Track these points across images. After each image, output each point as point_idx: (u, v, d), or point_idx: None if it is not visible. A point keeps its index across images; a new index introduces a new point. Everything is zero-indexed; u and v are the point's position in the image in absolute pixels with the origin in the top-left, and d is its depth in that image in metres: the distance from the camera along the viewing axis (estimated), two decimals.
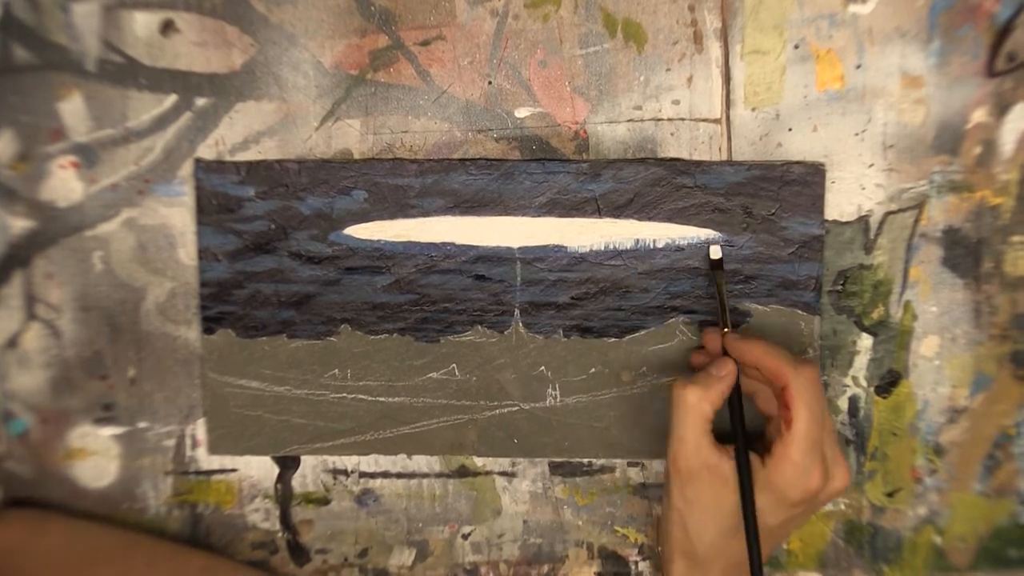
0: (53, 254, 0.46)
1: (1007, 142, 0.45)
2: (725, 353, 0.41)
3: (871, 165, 0.45)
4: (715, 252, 0.44)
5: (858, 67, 0.44)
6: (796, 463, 0.38)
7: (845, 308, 0.46)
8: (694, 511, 0.40)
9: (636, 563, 0.48)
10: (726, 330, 0.42)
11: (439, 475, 0.47)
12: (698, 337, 0.45)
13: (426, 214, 0.45)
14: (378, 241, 0.45)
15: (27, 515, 0.46)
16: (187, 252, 0.46)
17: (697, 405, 0.39)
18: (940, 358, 0.46)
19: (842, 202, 0.45)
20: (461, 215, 0.45)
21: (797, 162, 0.44)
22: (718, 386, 0.40)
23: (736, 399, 0.41)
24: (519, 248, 0.45)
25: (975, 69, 0.44)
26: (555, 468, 0.47)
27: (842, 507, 0.47)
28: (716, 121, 0.45)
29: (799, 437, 0.38)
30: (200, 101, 0.45)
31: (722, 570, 0.40)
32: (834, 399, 0.47)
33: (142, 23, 0.44)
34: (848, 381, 0.46)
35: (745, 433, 0.40)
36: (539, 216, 0.45)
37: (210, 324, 0.45)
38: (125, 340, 0.46)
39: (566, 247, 0.45)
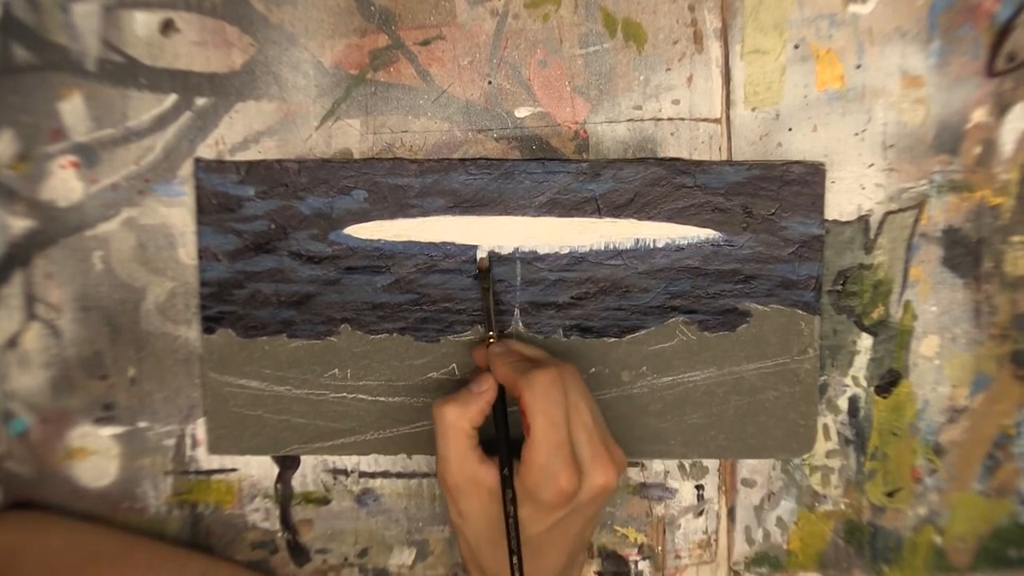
0: (53, 254, 0.46)
1: (1007, 142, 0.45)
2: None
3: (871, 165, 0.45)
4: (483, 259, 0.44)
5: (858, 67, 0.44)
6: (539, 465, 0.38)
7: (845, 308, 0.46)
8: (469, 525, 0.40)
9: (636, 563, 0.48)
10: (491, 340, 0.42)
11: None
12: (698, 337, 0.45)
13: (426, 214, 0.45)
14: (378, 241, 0.45)
15: (27, 516, 0.46)
16: (187, 252, 0.46)
17: (456, 423, 0.39)
18: (940, 358, 0.46)
19: (842, 202, 0.45)
20: (461, 215, 0.45)
21: (797, 162, 0.44)
22: (476, 403, 0.40)
23: (500, 411, 0.41)
24: (519, 248, 0.45)
25: (975, 69, 0.44)
26: None
27: (842, 507, 0.47)
28: (716, 121, 0.45)
29: (537, 440, 0.38)
30: (200, 101, 0.45)
31: None
32: (834, 399, 0.47)
33: (142, 23, 0.44)
34: (848, 381, 0.46)
35: (508, 444, 0.40)
36: (539, 216, 0.45)
37: (210, 324, 0.45)
38: (125, 340, 0.46)
39: (566, 247, 0.45)
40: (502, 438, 0.40)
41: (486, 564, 0.41)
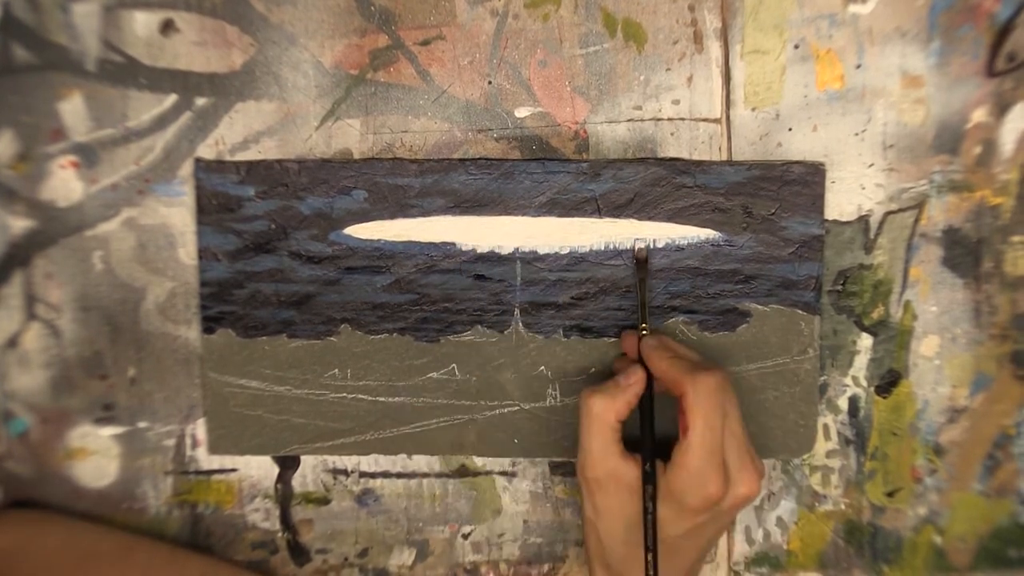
0: (53, 254, 0.46)
1: (1007, 142, 0.45)
2: (641, 358, 0.41)
3: (871, 165, 0.45)
4: (640, 249, 0.44)
5: (858, 67, 0.44)
6: (692, 470, 0.38)
7: (845, 308, 0.46)
8: (603, 521, 0.40)
9: None
10: (644, 333, 0.42)
11: (439, 475, 0.47)
12: (698, 337, 0.45)
13: (426, 214, 0.45)
14: (378, 241, 0.45)
15: (27, 516, 0.46)
16: (187, 252, 0.46)
17: (602, 415, 0.39)
18: (940, 358, 0.46)
19: (842, 202, 0.45)
20: (461, 215, 0.45)
21: (797, 162, 0.44)
22: (624, 395, 0.40)
23: (647, 406, 0.40)
24: (519, 248, 0.45)
25: (975, 69, 0.44)
26: (555, 468, 0.47)
27: (842, 507, 0.47)
28: (716, 121, 0.45)
29: (695, 444, 0.38)
30: (200, 101, 0.45)
31: None
32: (834, 399, 0.47)
33: (142, 23, 0.44)
34: (848, 381, 0.46)
35: (654, 441, 0.40)
36: (539, 216, 0.45)
37: (210, 324, 0.45)
38: (125, 340, 0.46)
39: (566, 247, 0.45)
40: (648, 433, 0.40)
41: (614, 562, 0.40)
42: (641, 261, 0.44)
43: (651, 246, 0.44)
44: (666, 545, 0.39)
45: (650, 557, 0.38)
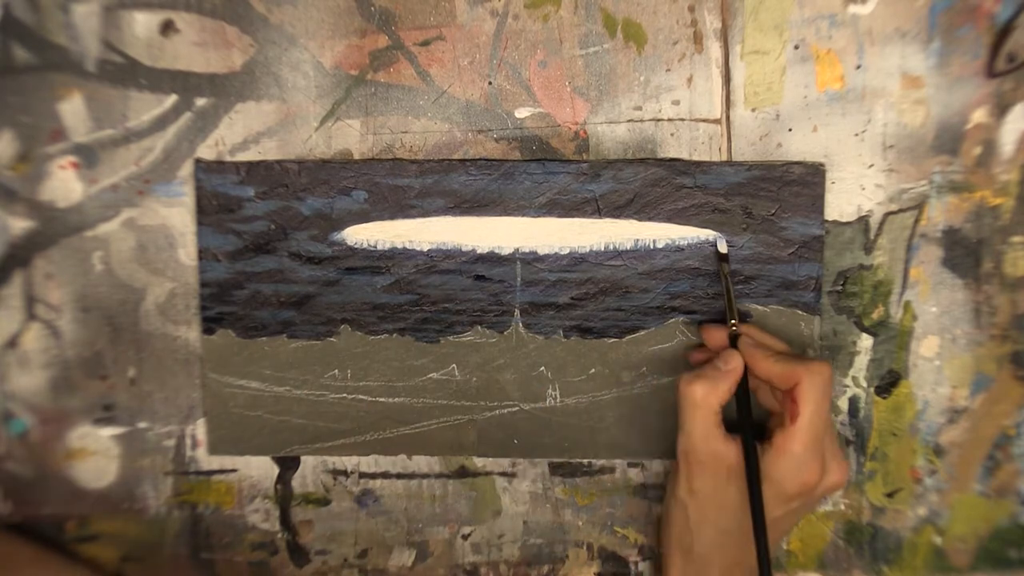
0: (53, 254, 0.46)
1: (1007, 142, 0.45)
2: (732, 345, 0.42)
3: (871, 165, 0.45)
4: (722, 246, 0.44)
5: (858, 67, 0.44)
6: (796, 455, 0.39)
7: (845, 308, 0.46)
8: (697, 503, 0.41)
9: (636, 564, 0.48)
10: (734, 325, 0.42)
11: (439, 476, 0.47)
12: (698, 338, 0.45)
13: (426, 214, 0.45)
14: (378, 241, 0.45)
15: None
16: (187, 252, 0.46)
17: (705, 400, 0.40)
18: (940, 358, 0.46)
19: (842, 202, 0.45)
20: (461, 215, 0.45)
21: (797, 162, 0.44)
22: (725, 381, 0.40)
23: (743, 392, 0.41)
24: (519, 248, 0.45)
25: (975, 69, 0.44)
26: (555, 469, 0.47)
27: (842, 507, 0.47)
28: (716, 121, 0.45)
29: (802, 430, 0.39)
30: (200, 101, 0.45)
31: (720, 569, 0.41)
32: (834, 399, 0.47)
33: (142, 23, 0.44)
34: (848, 381, 0.46)
35: (752, 426, 0.40)
36: (539, 216, 0.45)
37: (210, 324, 0.45)
38: (125, 340, 0.46)
39: (566, 247, 0.45)
40: (745, 419, 0.40)
41: (698, 544, 0.41)
42: (723, 255, 0.44)
43: (643, 246, 0.44)
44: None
45: (761, 543, 0.38)
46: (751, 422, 0.40)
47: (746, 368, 0.41)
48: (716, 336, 0.43)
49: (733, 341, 0.42)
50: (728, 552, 0.40)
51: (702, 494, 0.40)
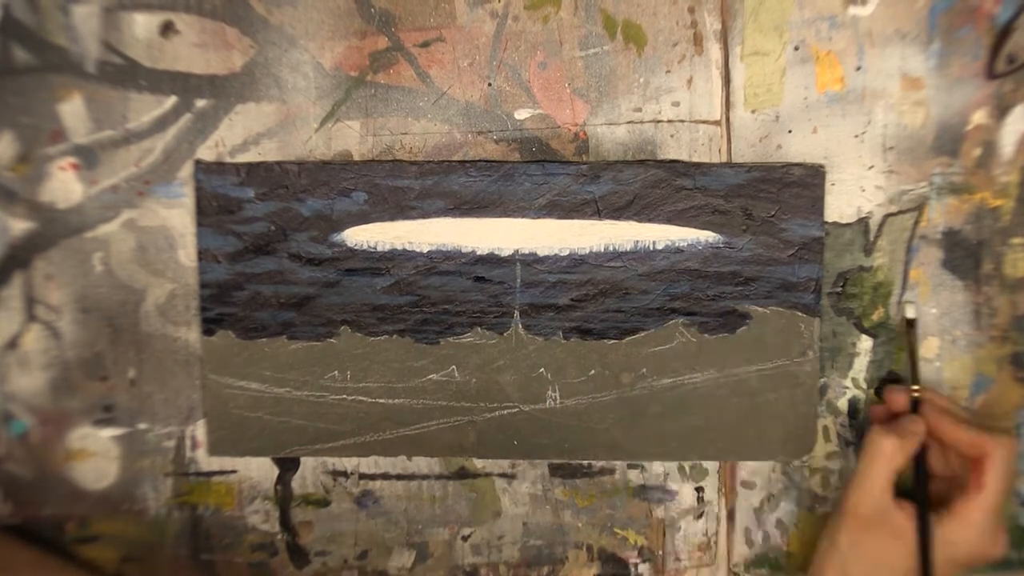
0: (53, 255, 0.46)
1: (1007, 144, 0.45)
2: (914, 410, 0.43)
3: (871, 167, 0.45)
4: (910, 312, 0.45)
5: (858, 69, 0.44)
6: (976, 525, 0.40)
7: (845, 310, 0.46)
8: (859, 560, 0.41)
9: (636, 565, 0.48)
10: (916, 391, 0.43)
11: (439, 477, 0.47)
12: (698, 339, 0.45)
13: (426, 216, 0.45)
14: (378, 242, 0.45)
15: None
16: (187, 253, 0.46)
17: (893, 455, 0.40)
18: (940, 360, 0.46)
19: (842, 204, 0.45)
20: (461, 217, 0.45)
21: (797, 164, 0.44)
22: (912, 441, 0.41)
23: (923, 456, 0.42)
24: (519, 250, 0.45)
25: (975, 71, 0.44)
26: (555, 470, 0.47)
27: None
28: (716, 123, 0.45)
29: (987, 501, 0.40)
30: (200, 103, 0.45)
31: None
32: (834, 400, 0.47)
33: (142, 25, 0.44)
34: (848, 383, 0.46)
35: (928, 493, 0.41)
36: (539, 218, 0.45)
37: (210, 325, 0.45)
38: (125, 341, 0.46)
39: (566, 249, 0.45)
40: (923, 484, 0.41)
41: None
42: (911, 324, 0.44)
43: (643, 248, 0.44)
44: None
45: None
46: (927, 489, 0.41)
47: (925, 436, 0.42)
48: (899, 400, 0.44)
49: (915, 407, 0.43)
50: None
51: (867, 551, 0.41)
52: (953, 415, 0.42)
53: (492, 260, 0.45)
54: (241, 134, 0.45)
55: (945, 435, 0.41)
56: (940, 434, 0.41)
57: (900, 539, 0.40)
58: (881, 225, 0.45)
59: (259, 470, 0.47)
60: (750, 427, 0.46)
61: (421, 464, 0.47)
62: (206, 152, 0.45)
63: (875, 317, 0.46)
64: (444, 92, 0.45)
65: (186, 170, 0.45)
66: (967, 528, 0.40)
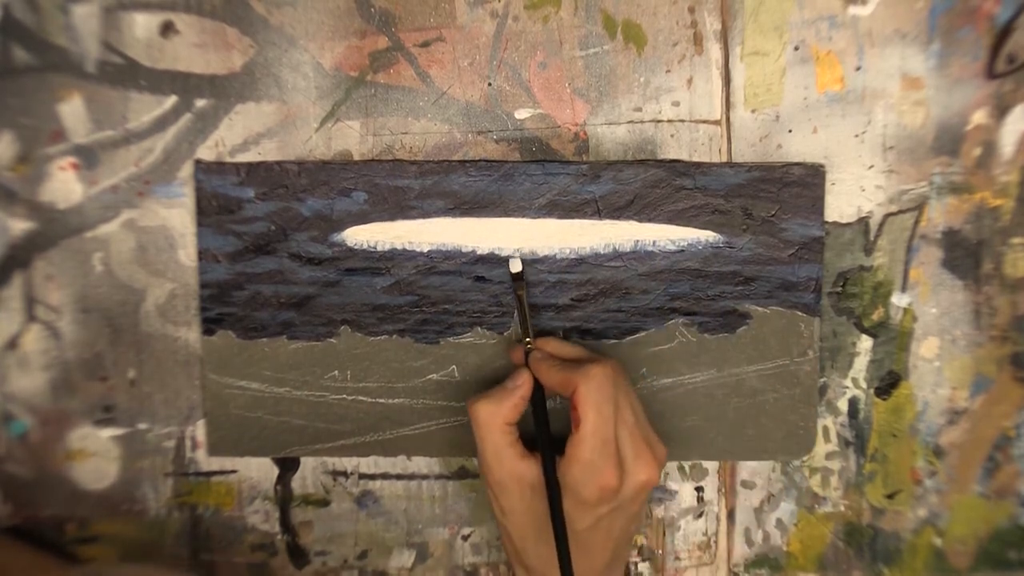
0: (53, 256, 0.46)
1: (1007, 144, 0.45)
2: (526, 363, 0.42)
3: (871, 167, 0.45)
4: (515, 265, 0.44)
5: (858, 69, 0.44)
6: (585, 461, 0.38)
7: (845, 310, 0.46)
8: (512, 522, 0.41)
9: (635, 564, 0.48)
10: (528, 343, 0.43)
11: (439, 477, 0.47)
12: (698, 339, 0.45)
13: (426, 215, 0.45)
14: (378, 242, 0.45)
15: None
16: (187, 253, 0.46)
17: (489, 420, 0.40)
18: (940, 360, 0.46)
19: (842, 204, 0.45)
20: (461, 216, 0.45)
21: (797, 163, 0.44)
22: (511, 398, 0.40)
23: (540, 406, 0.41)
24: (519, 250, 0.45)
25: (975, 71, 0.44)
26: None
27: (842, 509, 0.47)
28: (716, 123, 0.45)
29: (587, 436, 0.38)
30: (200, 102, 0.45)
31: None
32: (834, 400, 0.47)
33: (142, 25, 0.44)
34: (848, 383, 0.46)
35: (550, 438, 0.40)
36: (539, 218, 0.45)
37: (210, 325, 0.45)
38: (125, 342, 0.46)
39: (566, 248, 0.45)
40: (542, 433, 0.40)
41: (530, 561, 0.41)
42: (517, 275, 0.44)
43: (643, 248, 0.44)
44: (575, 541, 0.39)
45: (563, 553, 0.38)
46: (549, 436, 0.40)
47: (540, 385, 0.41)
48: (517, 356, 0.43)
49: (528, 358, 0.42)
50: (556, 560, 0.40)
51: (514, 513, 0.40)
52: (556, 359, 0.41)
53: (492, 260, 0.45)
54: (241, 134, 0.45)
55: (545, 380, 0.41)
56: (542, 381, 0.41)
57: (536, 491, 0.40)
58: (881, 225, 0.45)
59: (259, 470, 0.47)
60: (750, 427, 0.46)
61: (421, 464, 0.47)
62: (206, 152, 0.45)
63: (875, 317, 0.46)
64: (444, 92, 0.45)
65: (186, 170, 0.45)
66: (578, 467, 0.38)
